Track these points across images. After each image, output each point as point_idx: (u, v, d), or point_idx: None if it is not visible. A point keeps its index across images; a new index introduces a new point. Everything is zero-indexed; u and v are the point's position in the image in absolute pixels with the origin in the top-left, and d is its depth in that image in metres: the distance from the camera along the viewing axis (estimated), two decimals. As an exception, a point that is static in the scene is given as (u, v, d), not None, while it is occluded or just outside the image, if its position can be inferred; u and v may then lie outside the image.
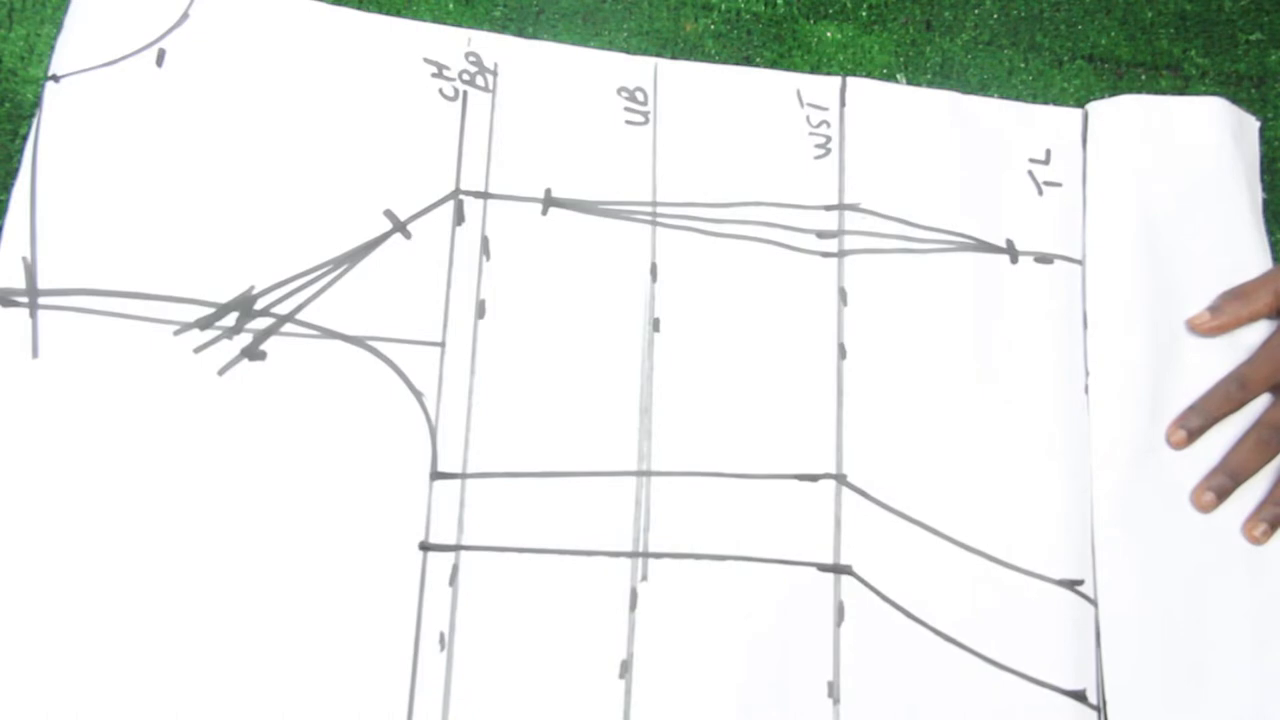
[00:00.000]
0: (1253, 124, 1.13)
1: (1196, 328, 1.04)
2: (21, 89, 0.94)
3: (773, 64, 1.09)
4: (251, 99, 0.97)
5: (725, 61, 1.08)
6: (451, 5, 1.05)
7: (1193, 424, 1.02)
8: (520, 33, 1.05)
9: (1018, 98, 1.12)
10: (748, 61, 1.08)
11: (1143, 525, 0.99)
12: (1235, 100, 1.14)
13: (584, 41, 1.06)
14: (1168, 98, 1.11)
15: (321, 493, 0.88)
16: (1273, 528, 1.00)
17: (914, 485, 0.97)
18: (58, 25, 0.96)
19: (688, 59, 1.07)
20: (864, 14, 1.13)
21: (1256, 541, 1.00)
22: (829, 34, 1.11)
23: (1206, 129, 1.11)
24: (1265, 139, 1.13)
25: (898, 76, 1.11)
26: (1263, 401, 1.04)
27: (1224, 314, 1.04)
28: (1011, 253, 1.04)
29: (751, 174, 1.03)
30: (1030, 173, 1.08)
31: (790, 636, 0.92)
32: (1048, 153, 1.09)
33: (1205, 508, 1.00)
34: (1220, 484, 1.00)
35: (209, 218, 0.93)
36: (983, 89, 1.12)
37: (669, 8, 1.09)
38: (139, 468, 0.86)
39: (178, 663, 0.83)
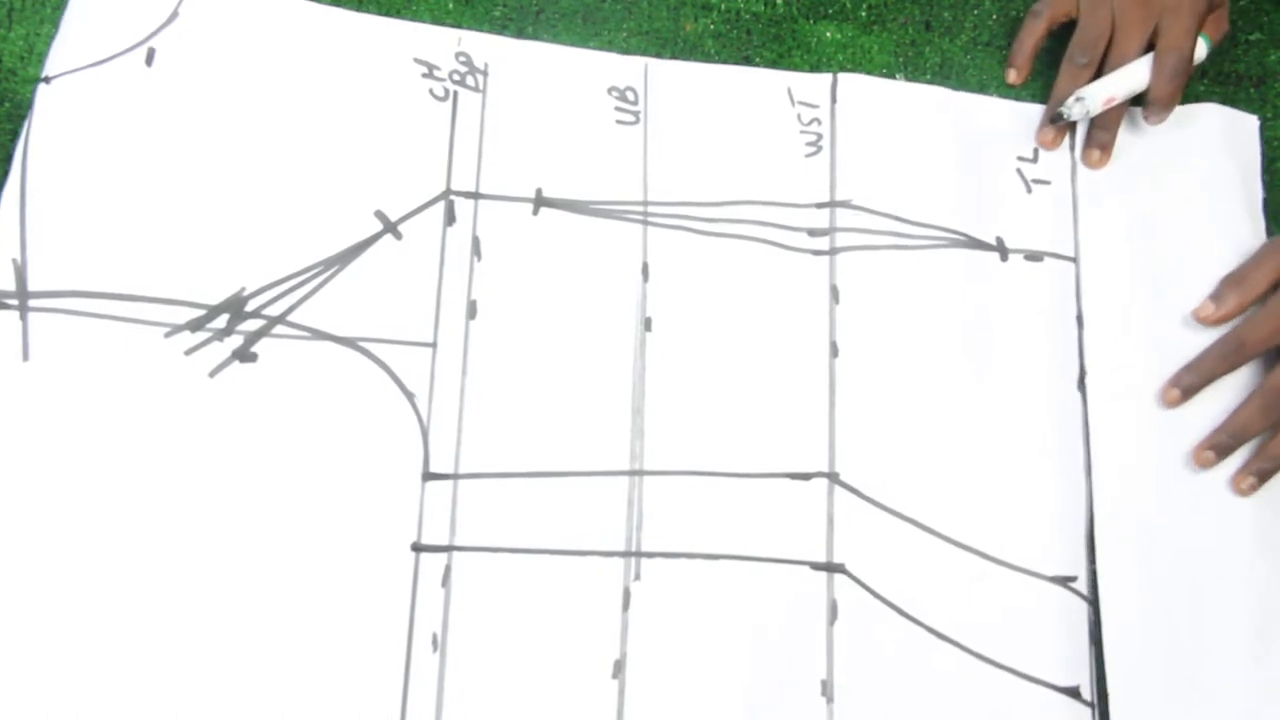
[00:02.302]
0: (1251, 123, 1.14)
1: (1203, 320, 1.04)
2: (21, 89, 0.95)
3: (772, 64, 1.09)
4: (241, 98, 0.97)
5: (725, 61, 1.08)
6: (451, 5, 1.05)
7: (1186, 382, 1.02)
8: (520, 32, 1.05)
9: (1016, 98, 1.12)
10: (747, 61, 1.08)
11: (1141, 523, 0.99)
12: (1235, 100, 1.14)
13: (583, 41, 1.06)
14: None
15: (313, 494, 0.88)
16: (1261, 480, 1.00)
17: (907, 483, 0.96)
18: (56, 26, 0.96)
19: (687, 59, 1.07)
20: (864, 14, 1.12)
21: (1243, 494, 1.00)
22: (828, 34, 1.11)
23: (1197, 130, 1.12)
24: (1265, 139, 1.13)
25: (897, 77, 1.10)
26: (1256, 369, 1.05)
27: (1228, 302, 1.04)
28: (1001, 250, 1.04)
29: (743, 172, 1.03)
30: (1019, 170, 1.08)
31: (783, 635, 0.91)
32: (1036, 151, 1.09)
33: (1204, 464, 1.01)
34: (1222, 443, 1.01)
35: (199, 219, 0.93)
36: (982, 89, 1.12)
37: (669, 7, 1.09)
38: (131, 470, 0.86)
39: (171, 664, 0.83)
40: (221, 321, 0.90)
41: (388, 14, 1.03)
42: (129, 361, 0.88)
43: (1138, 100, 1.08)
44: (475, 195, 0.98)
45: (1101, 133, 1.09)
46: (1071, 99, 1.06)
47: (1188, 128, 1.12)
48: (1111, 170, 1.09)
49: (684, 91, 1.05)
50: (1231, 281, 1.05)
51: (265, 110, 0.97)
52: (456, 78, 1.01)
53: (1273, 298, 1.03)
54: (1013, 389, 1.00)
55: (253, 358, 0.90)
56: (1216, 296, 1.05)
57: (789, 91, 1.07)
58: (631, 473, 0.93)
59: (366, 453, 0.90)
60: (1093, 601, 0.96)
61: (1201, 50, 1.08)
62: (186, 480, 0.87)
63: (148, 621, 0.83)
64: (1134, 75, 1.06)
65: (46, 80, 0.93)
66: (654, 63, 1.06)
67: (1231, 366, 1.03)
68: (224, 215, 0.93)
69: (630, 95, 1.04)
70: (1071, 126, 1.10)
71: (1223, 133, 1.13)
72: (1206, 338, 1.04)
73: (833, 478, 0.96)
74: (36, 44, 0.96)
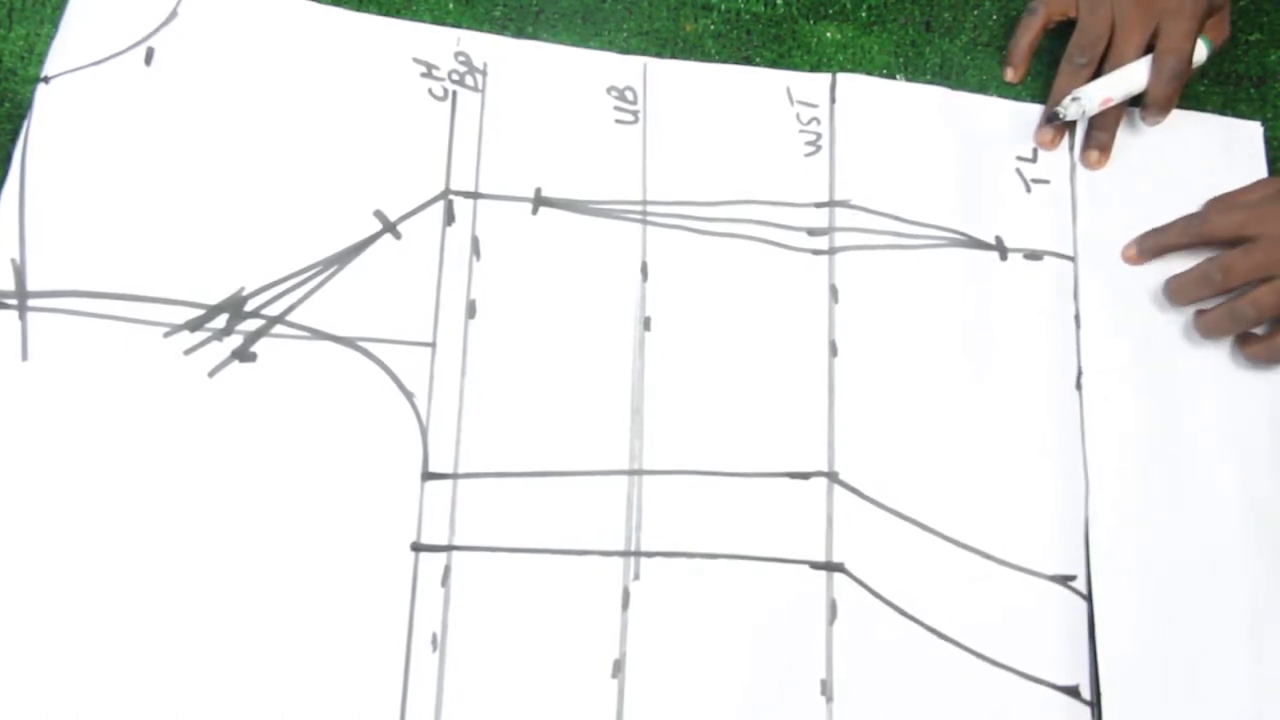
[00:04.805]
0: (1255, 130, 1.14)
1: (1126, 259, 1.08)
2: (21, 89, 0.95)
3: (772, 64, 1.09)
4: (240, 98, 0.97)
5: (725, 62, 1.08)
6: (451, 5, 1.05)
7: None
8: (520, 33, 1.05)
9: (1016, 99, 1.12)
10: (747, 62, 1.08)
11: (1137, 522, 0.99)
12: (1235, 100, 1.14)
13: (583, 41, 1.06)
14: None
15: (313, 494, 0.88)
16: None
17: (906, 482, 0.97)
18: (56, 26, 0.96)
19: (687, 59, 1.07)
20: (864, 14, 1.12)
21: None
22: (829, 34, 1.11)
23: (1198, 133, 1.13)
24: (1265, 140, 1.13)
25: (897, 77, 1.10)
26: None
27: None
28: (1000, 249, 1.04)
29: (742, 172, 1.03)
30: (1018, 170, 1.08)
31: (783, 635, 0.92)
32: (1035, 150, 1.09)
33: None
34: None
35: (199, 218, 0.92)
36: (982, 90, 1.12)
37: (669, 8, 1.09)
38: (130, 470, 0.86)
39: (170, 664, 0.83)
40: (221, 321, 0.90)
41: (387, 14, 1.03)
42: (128, 361, 0.88)
43: (1136, 101, 1.09)
44: (474, 195, 0.98)
45: (1100, 133, 1.09)
46: (1068, 99, 1.06)
47: (1189, 130, 1.12)
48: (1111, 170, 1.09)
49: (683, 91, 1.05)
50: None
51: (264, 110, 0.97)
52: (455, 77, 1.01)
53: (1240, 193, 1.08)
54: (1012, 388, 1.01)
55: (252, 357, 0.90)
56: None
57: (788, 91, 1.07)
58: (631, 472, 0.93)
59: (366, 452, 0.90)
60: (1091, 600, 0.96)
61: (1201, 53, 1.08)
62: (186, 480, 0.87)
63: (148, 621, 0.83)
64: (1132, 76, 1.06)
65: (46, 80, 0.93)
66: (653, 62, 1.06)
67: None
68: (223, 215, 0.93)
69: (629, 95, 1.04)
70: (1071, 126, 1.10)
71: (1225, 138, 1.13)
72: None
73: (832, 477, 0.96)
74: (36, 44, 0.96)
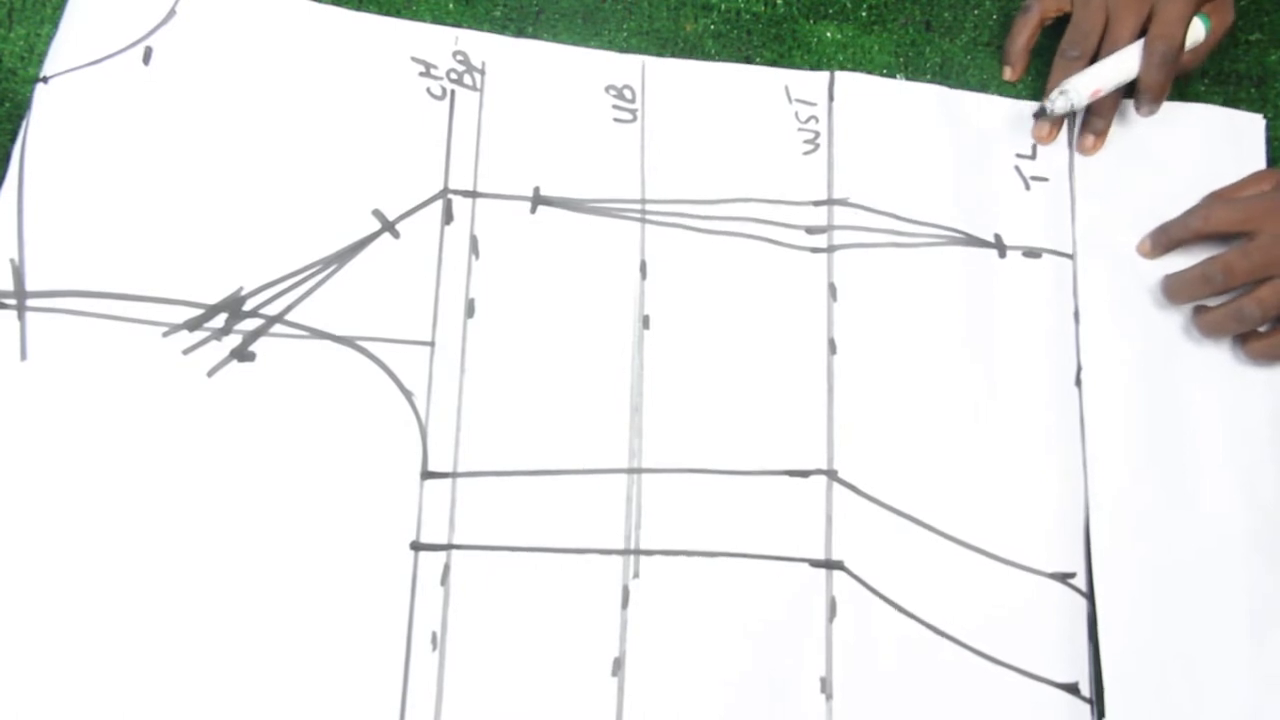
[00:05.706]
0: (1257, 123, 1.14)
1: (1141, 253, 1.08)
2: (21, 89, 0.95)
3: (772, 64, 1.08)
4: (239, 97, 0.97)
5: (725, 62, 1.08)
6: (451, 5, 1.05)
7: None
8: (520, 32, 1.05)
9: (1016, 98, 1.12)
10: (747, 61, 1.08)
11: (1138, 518, 0.99)
12: (1235, 100, 1.14)
13: (584, 41, 1.06)
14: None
15: (312, 493, 0.88)
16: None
17: (905, 480, 0.97)
18: (56, 26, 0.96)
19: (687, 59, 1.07)
20: (864, 14, 1.12)
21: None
22: (829, 34, 1.11)
23: (1197, 128, 1.12)
24: (1265, 138, 1.13)
25: (897, 77, 1.10)
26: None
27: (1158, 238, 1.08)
28: (999, 247, 1.04)
29: (740, 170, 1.03)
30: (1017, 168, 1.08)
31: (783, 632, 0.92)
32: (1034, 147, 1.09)
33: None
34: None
35: (197, 218, 0.92)
36: (982, 90, 1.12)
37: (669, 8, 1.09)
38: (129, 470, 0.86)
39: (169, 663, 0.83)
40: (220, 321, 0.90)
41: (387, 14, 1.03)
42: (127, 361, 0.88)
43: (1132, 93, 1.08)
44: (473, 194, 0.98)
45: (1096, 120, 1.09)
46: (1055, 92, 1.05)
47: (1187, 125, 1.12)
48: (1109, 167, 1.09)
49: (681, 89, 1.05)
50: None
51: (263, 109, 0.97)
52: (454, 76, 1.01)
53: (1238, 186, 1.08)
54: (1011, 385, 1.01)
55: (251, 357, 0.90)
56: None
57: (786, 89, 1.07)
58: (630, 470, 0.93)
59: (365, 452, 0.90)
60: (1091, 598, 0.96)
61: (1199, 31, 1.08)
62: (185, 480, 0.87)
63: (146, 620, 0.83)
64: (1122, 65, 1.06)
65: (45, 80, 0.93)
66: (651, 61, 1.05)
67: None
68: (222, 214, 0.93)
69: (628, 93, 1.04)
70: (1070, 119, 1.10)
71: (1225, 132, 1.13)
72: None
73: (831, 475, 0.96)
74: (37, 44, 0.96)
